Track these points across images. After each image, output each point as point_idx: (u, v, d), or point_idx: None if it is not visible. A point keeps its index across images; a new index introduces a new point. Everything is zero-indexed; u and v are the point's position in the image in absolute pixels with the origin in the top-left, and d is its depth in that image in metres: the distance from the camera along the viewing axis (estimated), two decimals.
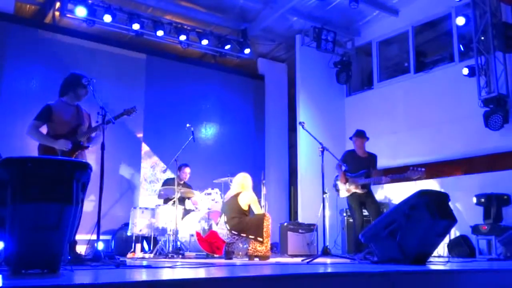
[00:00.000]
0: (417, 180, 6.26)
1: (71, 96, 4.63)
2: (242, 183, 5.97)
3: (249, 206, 5.90)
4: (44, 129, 4.55)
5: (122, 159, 8.41)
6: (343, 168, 6.28)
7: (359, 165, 6.45)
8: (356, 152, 6.64)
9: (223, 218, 5.86)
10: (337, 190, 6.60)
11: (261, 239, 5.59)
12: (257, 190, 6.50)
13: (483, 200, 7.32)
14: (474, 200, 7.41)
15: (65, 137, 4.47)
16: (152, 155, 8.78)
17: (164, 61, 9.20)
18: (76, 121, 4.62)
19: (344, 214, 8.25)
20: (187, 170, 7.48)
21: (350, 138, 6.75)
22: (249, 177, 6.10)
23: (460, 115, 8.15)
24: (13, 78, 7.59)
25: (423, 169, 5.92)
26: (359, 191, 6.38)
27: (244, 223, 5.72)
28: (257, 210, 5.91)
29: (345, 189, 6.50)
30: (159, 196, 7.47)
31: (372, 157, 6.62)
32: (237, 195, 5.89)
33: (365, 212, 6.67)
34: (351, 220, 8.07)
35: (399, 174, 6.15)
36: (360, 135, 6.67)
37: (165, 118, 8.92)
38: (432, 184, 8.17)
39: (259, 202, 6.25)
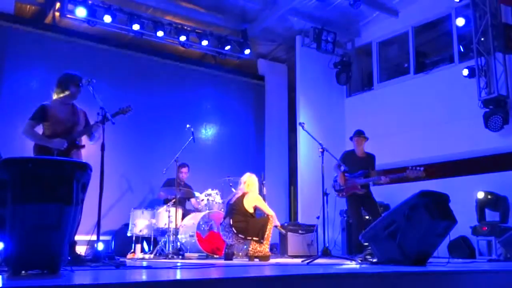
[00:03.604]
0: (417, 179, 6.23)
1: (65, 95, 4.63)
2: (248, 183, 5.97)
3: (255, 208, 5.90)
4: (39, 130, 4.56)
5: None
6: (342, 168, 6.29)
7: (358, 165, 6.47)
8: (355, 152, 6.66)
9: (228, 221, 5.82)
10: (336, 191, 6.61)
11: (262, 241, 5.63)
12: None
13: (490, 197, 7.22)
14: (481, 195, 7.25)
15: (60, 136, 4.48)
16: (152, 155, 8.77)
17: (164, 62, 9.19)
18: (71, 120, 4.63)
19: (344, 215, 8.24)
20: (184, 169, 7.48)
21: (350, 139, 6.77)
22: (255, 177, 6.11)
23: (460, 116, 8.14)
24: (13, 78, 7.58)
25: (421, 168, 5.95)
26: (358, 191, 6.39)
27: (250, 226, 5.72)
28: (265, 209, 5.92)
29: (344, 189, 6.50)
30: (159, 197, 7.46)
31: (371, 157, 6.64)
32: (242, 197, 5.87)
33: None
34: (351, 221, 8.08)
35: (398, 173, 6.17)
36: (360, 135, 6.70)
37: (165, 118, 8.91)
38: (432, 185, 8.14)
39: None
